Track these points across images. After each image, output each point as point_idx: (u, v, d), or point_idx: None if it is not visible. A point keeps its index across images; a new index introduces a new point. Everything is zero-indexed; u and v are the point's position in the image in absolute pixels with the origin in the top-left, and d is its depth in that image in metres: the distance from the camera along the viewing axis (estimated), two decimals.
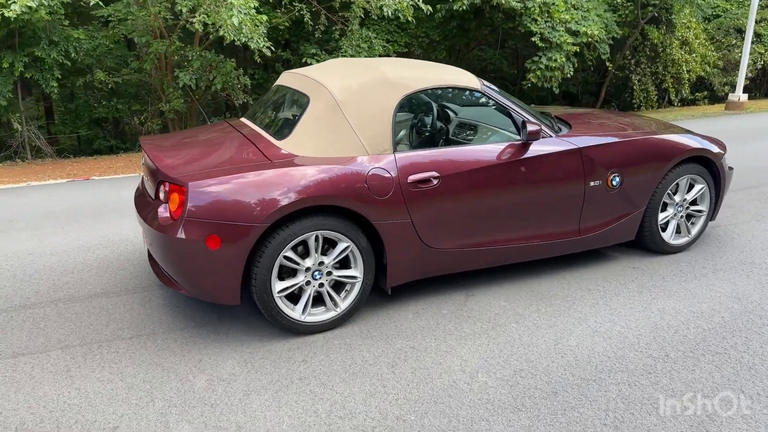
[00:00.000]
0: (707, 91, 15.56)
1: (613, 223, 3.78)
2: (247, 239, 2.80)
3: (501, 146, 3.40)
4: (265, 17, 7.83)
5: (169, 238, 2.84)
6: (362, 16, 9.59)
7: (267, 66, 12.57)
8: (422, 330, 3.17)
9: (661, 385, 2.70)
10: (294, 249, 2.99)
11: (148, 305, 3.44)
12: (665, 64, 13.90)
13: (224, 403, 2.58)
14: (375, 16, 9.22)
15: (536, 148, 3.45)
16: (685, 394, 2.64)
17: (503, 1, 10.24)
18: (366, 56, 10.41)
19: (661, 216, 3.99)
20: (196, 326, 3.21)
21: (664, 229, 4.08)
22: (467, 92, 3.44)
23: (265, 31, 8.32)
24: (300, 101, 3.32)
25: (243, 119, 3.79)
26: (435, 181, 3.18)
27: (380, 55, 11.49)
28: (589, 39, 11.33)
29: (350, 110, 3.13)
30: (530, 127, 3.29)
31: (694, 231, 4.18)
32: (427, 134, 3.42)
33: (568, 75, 11.36)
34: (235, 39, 7.68)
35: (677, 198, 4.03)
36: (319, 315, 3.12)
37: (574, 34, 11.31)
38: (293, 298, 3.09)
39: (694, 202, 4.14)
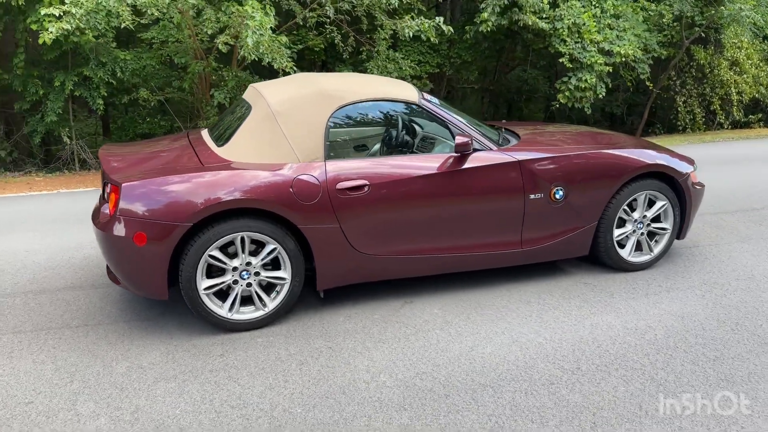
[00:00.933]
0: (762, 114, 14.83)
1: (560, 237, 3.76)
2: (171, 237, 3.02)
3: (436, 157, 3.49)
4: (284, 38, 8.19)
5: (105, 235, 3.10)
6: (387, 38, 9.82)
7: None
8: (346, 332, 3.28)
9: (558, 395, 2.70)
10: (224, 249, 3.17)
11: (105, 299, 3.71)
12: (713, 85, 13.39)
13: (133, 387, 2.78)
14: (402, 37, 9.42)
15: (473, 161, 3.51)
16: (581, 404, 2.62)
17: (530, 23, 10.24)
18: (394, 76, 10.65)
19: (618, 232, 3.94)
20: (138, 320, 3.45)
21: (622, 246, 4.01)
22: (403, 105, 3.55)
23: (288, 52, 8.69)
24: (245, 112, 3.54)
25: (202, 130, 4.05)
26: (365, 189, 3.31)
27: (411, 76, 11.72)
28: (623, 59, 11.13)
29: (284, 120, 3.32)
30: (458, 140, 3.37)
31: (657, 249, 4.09)
32: (364, 145, 3.56)
33: (600, 95, 11.16)
34: (256, 58, 8.06)
35: (636, 214, 3.96)
36: (248, 314, 3.28)
37: (608, 54, 11.14)
38: (225, 296, 3.27)
39: (657, 220, 4.06)
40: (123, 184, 3.07)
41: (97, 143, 12.21)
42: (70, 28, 7.21)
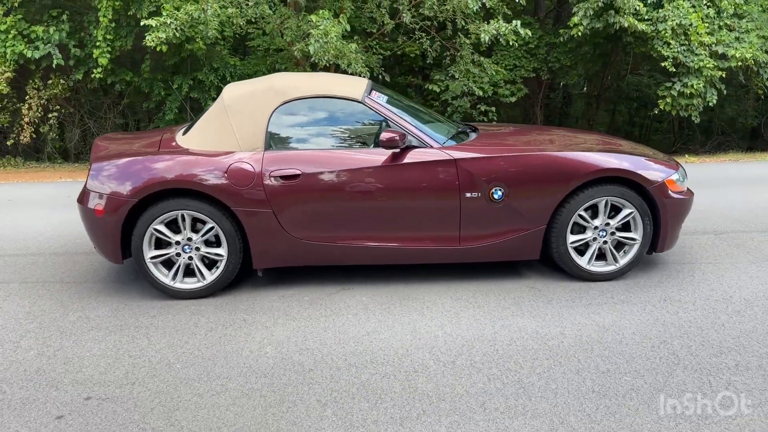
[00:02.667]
0: None
1: (502, 237, 3.73)
2: (120, 210, 3.54)
3: (372, 152, 3.66)
4: (354, 45, 8.62)
5: (79, 206, 3.71)
6: (468, 42, 9.87)
7: (402, 92, 13.42)
8: (270, 309, 3.58)
9: (411, 382, 2.77)
10: (170, 224, 3.63)
11: (87, 261, 4.35)
12: None
13: (70, 332, 3.32)
14: (481, 42, 9.42)
15: (409, 156, 3.63)
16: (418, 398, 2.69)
17: (626, 25, 9.68)
18: (478, 81, 10.66)
19: (575, 238, 3.79)
20: (112, 281, 4.04)
21: (582, 253, 3.85)
22: (346, 102, 3.76)
23: (361, 57, 9.12)
24: (210, 106, 3.99)
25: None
26: (298, 179, 3.59)
27: (505, 81, 11.61)
28: (741, 63, 10.08)
29: (233, 113, 3.71)
30: (382, 136, 3.50)
31: (623, 260, 3.86)
32: (307, 138, 3.81)
33: (710, 103, 10.21)
34: (327, 63, 8.60)
35: (597, 221, 3.79)
36: (190, 284, 3.71)
37: (722, 57, 10.17)
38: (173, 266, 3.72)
39: (627, 228, 3.84)
40: (92, 164, 3.65)
41: None
42: (165, 36, 8.25)
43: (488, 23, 9.06)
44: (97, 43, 9.72)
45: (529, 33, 9.06)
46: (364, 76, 8.93)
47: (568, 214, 3.72)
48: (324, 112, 3.76)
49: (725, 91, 10.44)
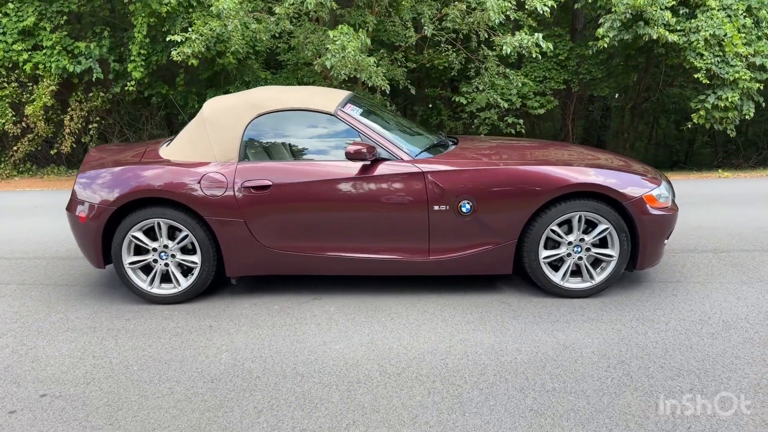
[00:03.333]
0: None
1: (470, 250, 3.70)
2: (101, 217, 3.71)
3: (343, 164, 3.70)
4: (372, 59, 8.72)
5: (67, 213, 3.91)
6: (490, 54, 9.84)
7: (430, 104, 13.46)
8: (238, 316, 3.67)
9: (350, 393, 2.79)
10: (148, 232, 3.78)
11: (84, 265, 4.54)
12: None
13: (48, 332, 3.49)
14: (504, 54, 9.36)
15: (378, 169, 3.66)
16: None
17: (656, 36, 9.43)
18: (506, 93, 10.60)
19: (547, 253, 3.73)
20: (98, 285, 4.22)
21: (557, 268, 3.78)
22: (319, 114, 3.83)
23: (381, 71, 9.21)
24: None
25: None
26: (268, 189, 3.67)
27: (534, 92, 11.48)
28: None
29: (211, 125, 3.84)
30: (348, 148, 3.55)
31: (599, 277, 3.76)
32: (281, 149, 3.89)
33: (747, 116, 9.81)
34: (346, 77, 8.73)
35: (571, 237, 3.71)
36: (167, 290, 3.84)
37: (760, 69, 9.77)
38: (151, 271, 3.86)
39: (604, 245, 3.75)
40: (79, 174, 3.84)
41: None
42: (191, 51, 8.57)
43: (512, 35, 9.00)
44: (132, 58, 10.17)
45: (551, 46, 8.93)
46: (384, 89, 9.04)
47: (540, 229, 3.67)
48: (298, 125, 3.84)
49: (763, 104, 10.00)
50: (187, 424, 2.58)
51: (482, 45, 9.99)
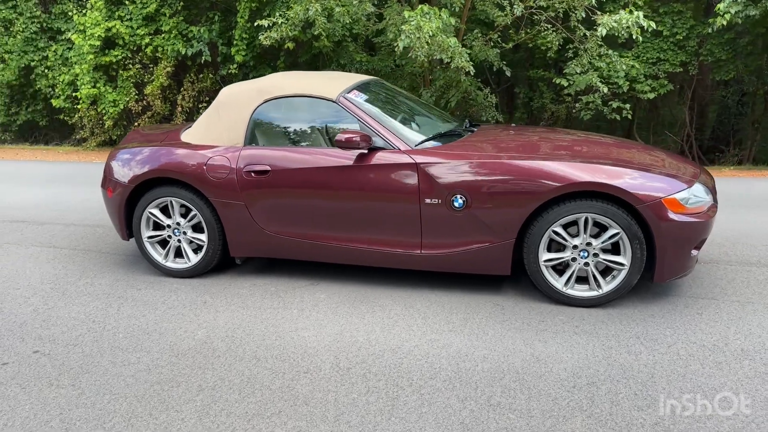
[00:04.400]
0: None
1: (464, 247, 3.52)
2: (122, 193, 4.01)
3: (341, 152, 3.67)
4: (453, 39, 8.47)
5: (101, 188, 4.27)
6: (586, 34, 9.17)
7: (532, 86, 12.86)
8: (234, 295, 3.80)
9: (286, 380, 2.81)
10: (165, 209, 4.03)
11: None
12: None
13: (69, 294, 3.86)
14: (599, 36, 8.69)
15: (377, 159, 3.58)
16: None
17: None
18: (613, 75, 9.87)
19: (549, 256, 3.45)
20: (125, 254, 4.57)
21: (562, 273, 3.50)
22: (321, 101, 3.80)
23: (466, 51, 8.92)
24: None
25: None
26: (267, 174, 3.75)
27: (645, 75, 10.56)
28: None
29: (224, 110, 3.98)
30: (338, 137, 3.49)
31: (608, 287, 3.41)
32: (287, 135, 3.92)
33: None
34: (425, 58, 8.58)
35: (577, 240, 3.40)
36: (179, 264, 4.08)
37: None
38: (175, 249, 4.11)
39: (616, 251, 3.40)
40: (110, 153, 4.17)
41: None
42: (278, 35, 8.87)
43: (616, 13, 8.30)
44: (235, 42, 10.75)
45: (653, 25, 8.10)
46: (468, 71, 8.75)
47: (540, 229, 3.40)
48: (301, 111, 3.86)
49: None
50: (133, 393, 2.74)
51: (578, 25, 9.32)
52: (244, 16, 10.51)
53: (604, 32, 8.25)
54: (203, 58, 11.25)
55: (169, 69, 11.60)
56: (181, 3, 11.38)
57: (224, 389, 2.76)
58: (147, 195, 3.97)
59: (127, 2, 11.30)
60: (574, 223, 3.38)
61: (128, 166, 4.00)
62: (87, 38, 11.38)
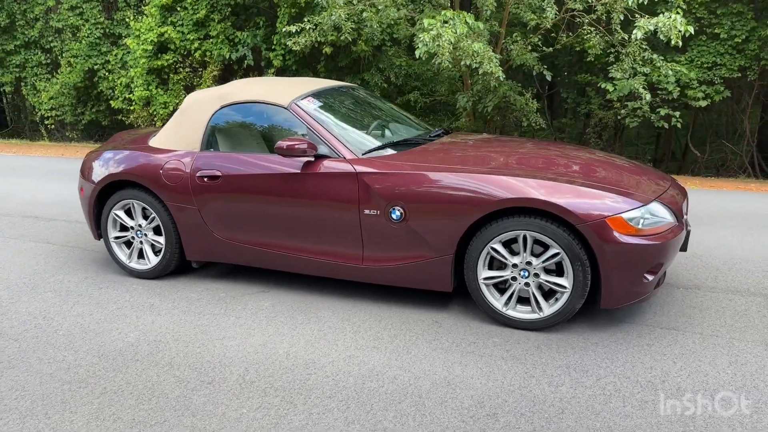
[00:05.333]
0: None
1: (404, 262, 3.39)
2: (91, 194, 4.14)
3: (287, 160, 3.63)
4: (478, 45, 8.26)
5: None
6: (625, 38, 8.70)
7: (580, 91, 12.35)
8: (183, 299, 3.84)
9: (167, 394, 2.80)
10: (128, 212, 4.14)
11: None
12: None
13: (36, 287, 4.04)
14: (634, 40, 8.22)
15: (322, 167, 3.51)
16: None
17: None
18: (663, 80, 9.34)
19: (489, 273, 3.26)
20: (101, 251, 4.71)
21: (503, 292, 3.31)
22: (274, 107, 3.77)
23: (496, 57, 8.67)
24: None
25: None
26: (218, 180, 3.78)
27: (699, 80, 9.90)
28: None
29: (186, 115, 4.04)
30: (279, 143, 3.45)
31: (549, 310, 3.19)
32: (243, 140, 3.92)
33: None
34: (450, 64, 8.41)
35: (517, 259, 3.20)
36: (140, 266, 4.17)
37: None
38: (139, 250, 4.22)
39: (560, 272, 3.17)
40: (87, 154, 4.33)
41: None
42: (305, 41, 8.96)
43: (647, 18, 7.83)
44: (273, 47, 10.97)
45: (691, 30, 7.55)
46: (498, 76, 8.50)
47: (478, 245, 3.22)
48: (255, 117, 3.85)
49: None
50: (41, 392, 2.80)
51: (617, 28, 8.85)
52: (283, 21, 10.68)
53: (639, 35, 7.80)
54: (246, 62, 11.54)
55: (215, 73, 11.96)
56: (230, 9, 11.72)
57: (125, 394, 2.77)
58: (113, 197, 4.09)
59: (179, 9, 11.75)
60: (517, 240, 3.17)
61: (97, 168, 4.13)
62: (141, 43, 11.94)
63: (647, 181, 3.40)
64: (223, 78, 12.36)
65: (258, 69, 12.18)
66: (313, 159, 3.54)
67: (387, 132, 4.04)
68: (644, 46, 9.15)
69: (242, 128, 3.88)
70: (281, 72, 11.71)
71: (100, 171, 4.09)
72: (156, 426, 2.53)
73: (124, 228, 4.18)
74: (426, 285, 3.43)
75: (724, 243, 4.65)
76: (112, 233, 4.17)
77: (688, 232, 3.48)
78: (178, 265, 4.08)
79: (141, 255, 4.18)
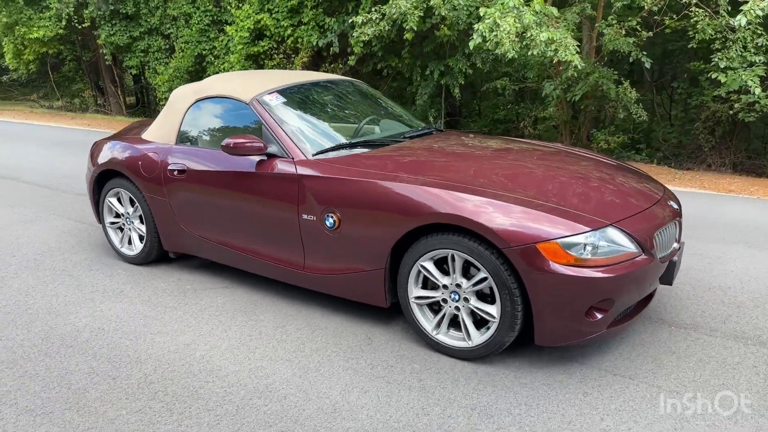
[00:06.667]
0: None
1: (340, 272, 3.20)
2: (91, 180, 4.37)
3: (243, 158, 3.55)
4: (546, 34, 7.63)
5: None
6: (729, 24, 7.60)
7: (693, 81, 11.04)
8: (150, 288, 3.91)
9: (72, 382, 2.86)
10: (120, 200, 4.32)
11: None
12: None
13: (42, 266, 4.36)
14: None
15: (272, 167, 3.40)
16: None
17: None
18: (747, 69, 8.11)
19: (421, 293, 2.98)
20: None
21: (436, 312, 3.02)
22: (238, 102, 3.70)
23: (575, 46, 7.96)
24: None
25: None
26: (184, 173, 3.81)
27: None
28: None
29: (168, 109, 4.10)
30: (225, 141, 3.36)
31: (478, 339, 2.84)
32: (214, 135, 3.89)
33: None
34: (514, 53, 7.86)
35: (447, 280, 2.90)
36: (129, 251, 4.33)
37: None
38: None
39: (493, 300, 2.83)
40: (93, 143, 4.57)
41: (450, 125, 13.61)
42: (372, 32, 8.81)
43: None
44: (354, 33, 10.93)
45: None
46: (576, 65, 7.85)
47: (409, 262, 2.95)
48: (223, 112, 3.81)
49: None
50: None
51: (723, 12, 7.74)
52: (365, 8, 10.61)
53: (743, 21, 6.79)
54: (332, 48, 11.63)
55: (305, 59, 12.19)
56: None
57: (37, 380, 2.88)
58: (107, 185, 4.28)
59: None
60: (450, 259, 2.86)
61: (96, 156, 4.34)
62: (239, 30, 12.47)
63: (625, 201, 2.90)
64: (313, 64, 12.56)
65: (344, 56, 12.22)
66: (265, 158, 3.43)
67: (371, 130, 3.86)
68: (760, 31, 7.94)
69: (211, 123, 3.86)
70: (365, 59, 11.66)
71: (98, 159, 4.29)
72: (40, 417, 2.59)
73: (117, 215, 4.36)
74: (363, 298, 3.22)
75: None
76: (108, 218, 4.38)
77: (673, 264, 2.93)
78: (159, 254, 4.18)
79: (130, 241, 4.34)
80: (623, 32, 9.18)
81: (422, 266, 2.90)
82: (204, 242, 3.81)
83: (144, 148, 4.04)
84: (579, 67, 7.98)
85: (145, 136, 4.21)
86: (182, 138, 3.92)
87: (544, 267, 2.56)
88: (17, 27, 16.46)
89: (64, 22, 15.87)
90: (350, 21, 9.19)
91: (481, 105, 13.28)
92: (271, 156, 3.42)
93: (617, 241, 2.65)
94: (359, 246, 3.07)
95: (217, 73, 14.17)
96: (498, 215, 2.65)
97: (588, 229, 2.61)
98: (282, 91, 3.74)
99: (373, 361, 2.95)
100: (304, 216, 3.22)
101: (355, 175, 3.10)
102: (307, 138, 3.48)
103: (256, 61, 12.93)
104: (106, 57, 16.88)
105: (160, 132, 4.07)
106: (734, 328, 3.19)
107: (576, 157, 3.59)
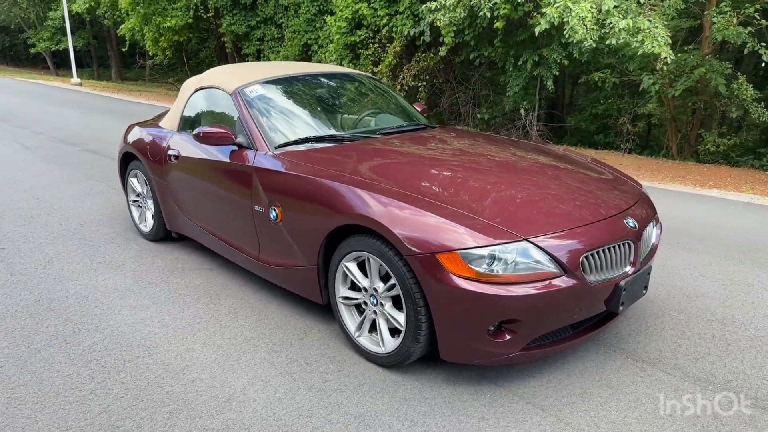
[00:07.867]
0: None
1: (284, 265, 3.24)
2: (119, 160, 4.77)
3: (222, 147, 3.69)
4: (625, 21, 7.02)
5: None
6: None
7: None
8: (147, 264, 4.18)
9: (40, 360, 3.16)
10: (137, 179, 4.67)
11: None
12: None
13: (60, 236, 4.85)
14: None
15: (240, 158, 3.50)
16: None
17: None
18: None
19: (348, 294, 2.94)
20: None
21: (362, 313, 2.96)
22: (224, 93, 3.82)
23: (663, 38, 7.24)
24: None
25: None
26: (178, 159, 4.04)
27: None
28: None
29: (178, 97, 4.36)
30: (196, 130, 3.49)
31: (389, 345, 2.75)
32: (201, 122, 4.05)
33: None
34: (581, 43, 7.33)
35: (365, 282, 2.83)
36: (144, 228, 4.68)
37: None
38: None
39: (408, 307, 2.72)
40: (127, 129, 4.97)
41: (551, 119, 12.79)
42: (448, 18, 8.62)
43: None
44: (427, 18, 10.76)
45: None
46: (665, 57, 7.19)
47: (336, 261, 2.92)
48: (214, 102, 3.96)
49: None
50: None
51: None
52: None
53: None
54: (423, 38, 11.54)
55: (397, 48, 12.22)
56: None
57: (0, 336, 3.22)
58: (130, 165, 4.65)
59: None
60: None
61: (125, 139, 4.72)
62: (337, 20, 12.78)
63: (561, 213, 2.64)
64: (407, 54, 12.56)
65: (437, 45, 12.08)
66: (237, 148, 3.53)
67: (367, 122, 3.88)
68: None
69: (204, 111, 4.04)
70: (457, 48, 11.44)
71: (123, 141, 4.67)
72: None
73: (138, 194, 4.72)
74: (303, 293, 3.23)
75: None
76: (131, 196, 4.75)
77: (619, 288, 2.62)
78: (165, 233, 4.47)
79: (146, 219, 4.69)
80: (735, 20, 8.20)
81: (346, 266, 2.84)
82: (192, 225, 4.02)
83: (154, 133, 4.32)
84: (669, 60, 7.26)
85: (161, 122, 4.50)
86: (182, 125, 4.14)
87: (443, 278, 2.41)
88: (154, 17, 18.07)
89: (192, 12, 17.20)
90: (423, 8, 9.05)
91: (581, 99, 12.49)
92: (242, 147, 3.51)
93: (535, 257, 2.42)
94: (296, 240, 3.07)
95: (319, 62, 14.65)
96: (406, 221, 2.52)
97: (497, 241, 2.41)
98: (267, 83, 3.81)
99: (294, 356, 2.95)
100: (256, 207, 3.29)
101: (297, 170, 3.10)
102: (276, 131, 3.53)
103: (353, 51, 13.17)
104: (226, 45, 18.03)
105: (169, 119, 4.33)
106: (705, 369, 2.78)
107: (550, 156, 3.31)
